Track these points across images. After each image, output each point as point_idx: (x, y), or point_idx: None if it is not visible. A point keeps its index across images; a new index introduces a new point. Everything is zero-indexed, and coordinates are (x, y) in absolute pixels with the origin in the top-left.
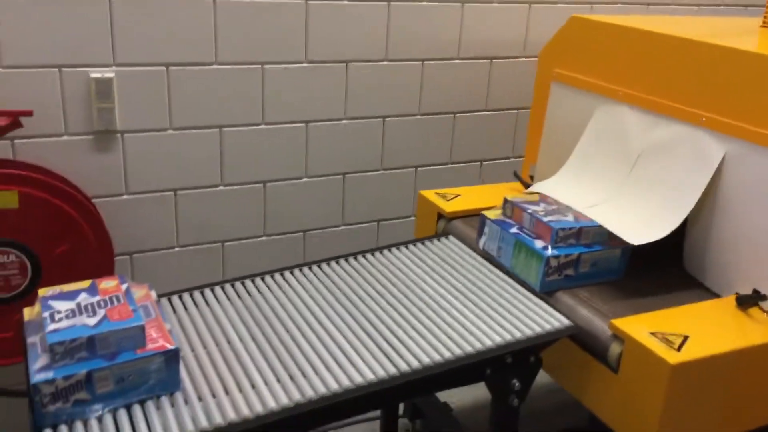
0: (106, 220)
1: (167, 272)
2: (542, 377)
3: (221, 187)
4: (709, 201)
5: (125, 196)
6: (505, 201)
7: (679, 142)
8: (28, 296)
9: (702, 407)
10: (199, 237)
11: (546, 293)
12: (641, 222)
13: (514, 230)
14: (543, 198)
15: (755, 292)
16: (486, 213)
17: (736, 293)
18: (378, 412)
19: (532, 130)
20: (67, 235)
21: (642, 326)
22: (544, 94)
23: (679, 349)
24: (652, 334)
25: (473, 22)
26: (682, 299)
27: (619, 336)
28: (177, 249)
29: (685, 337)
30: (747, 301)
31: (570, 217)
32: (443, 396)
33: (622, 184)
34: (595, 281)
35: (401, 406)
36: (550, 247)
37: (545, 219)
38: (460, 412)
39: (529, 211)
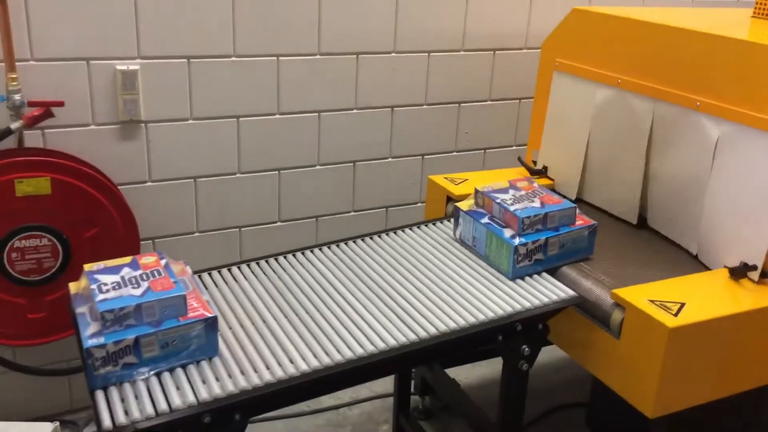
0: (130, 206)
1: (187, 256)
2: (544, 356)
3: (238, 175)
4: (702, 179)
5: (148, 183)
6: (476, 191)
7: (678, 125)
8: (59, 279)
9: (698, 369)
10: (218, 222)
11: (520, 278)
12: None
13: (485, 220)
14: (513, 184)
15: (745, 264)
16: (459, 204)
17: (725, 266)
18: (391, 389)
19: (535, 117)
20: (96, 219)
21: (641, 295)
22: (546, 84)
23: (676, 314)
24: (651, 301)
25: (477, 16)
26: (678, 272)
27: (620, 304)
28: (196, 234)
29: (682, 304)
30: (738, 272)
31: (537, 203)
32: (450, 374)
33: (637, 173)
34: (567, 261)
35: (412, 383)
36: (517, 235)
37: (512, 208)
38: (467, 388)
39: (498, 200)
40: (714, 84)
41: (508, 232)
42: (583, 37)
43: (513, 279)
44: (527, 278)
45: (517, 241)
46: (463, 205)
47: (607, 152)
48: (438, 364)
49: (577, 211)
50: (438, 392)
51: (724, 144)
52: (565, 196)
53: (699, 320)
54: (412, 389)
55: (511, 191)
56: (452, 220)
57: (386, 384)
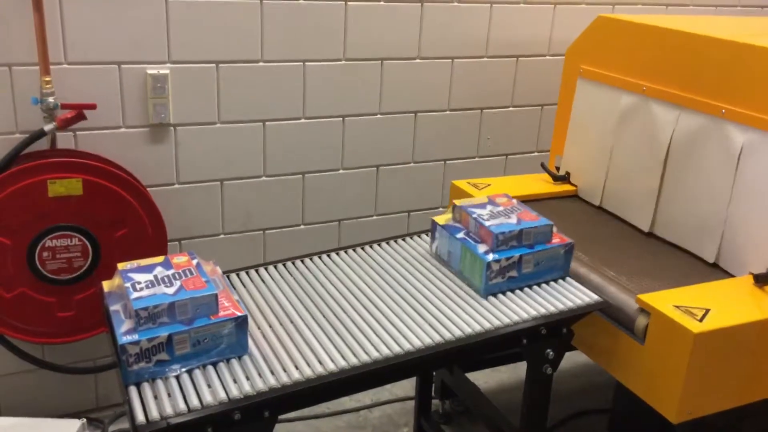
0: (158, 207)
1: (213, 257)
2: (563, 362)
3: (264, 178)
4: (726, 187)
5: (176, 185)
6: (454, 205)
7: (702, 132)
8: (88, 278)
9: (723, 375)
10: (243, 225)
11: (492, 295)
12: (693, 225)
13: (460, 235)
14: (492, 199)
15: None
16: (436, 218)
17: (750, 272)
18: (411, 393)
19: (558, 124)
20: (125, 220)
21: (666, 300)
22: (570, 90)
23: (701, 320)
24: (676, 307)
25: (501, 23)
26: (702, 278)
27: (645, 309)
28: (222, 236)
29: (707, 310)
30: (763, 278)
31: (513, 219)
32: (470, 378)
33: (659, 181)
34: (542, 279)
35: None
36: (491, 251)
37: (487, 223)
38: (487, 393)
39: (474, 215)
40: (739, 91)
41: (482, 248)
42: (608, 44)
43: (485, 296)
44: (552, 283)
45: (490, 257)
46: (440, 219)
47: (628, 159)
48: (458, 368)
49: (555, 229)
50: (459, 396)
51: (749, 151)
52: (589, 203)
53: (724, 326)
54: (433, 393)
55: (489, 207)
56: None
57: (406, 388)
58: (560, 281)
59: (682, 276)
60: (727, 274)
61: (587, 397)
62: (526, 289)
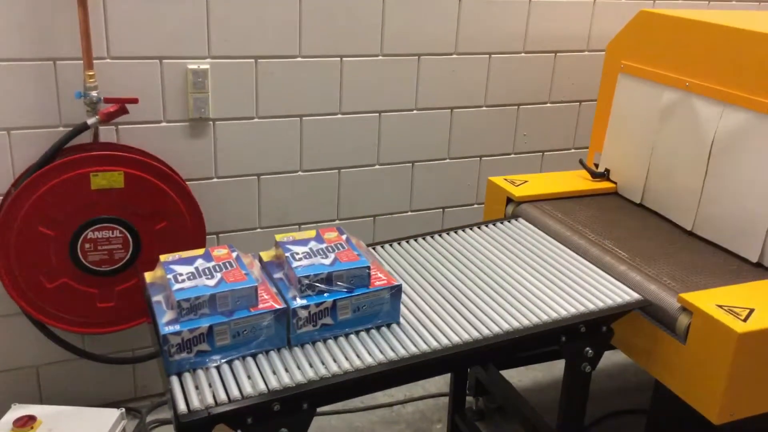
0: (197, 200)
1: (249, 251)
2: (600, 363)
3: (300, 173)
4: None
5: (214, 179)
6: (276, 242)
7: (748, 128)
8: (128, 269)
9: (766, 377)
10: (279, 219)
11: (302, 344)
12: (737, 225)
13: (278, 275)
14: (320, 235)
15: None
16: (263, 254)
17: None
18: (444, 389)
19: (598, 119)
20: (166, 213)
21: (709, 300)
22: (610, 85)
23: (745, 320)
24: (719, 306)
25: (539, 17)
26: (746, 278)
27: (687, 308)
28: (258, 230)
29: (751, 310)
30: None
31: (329, 260)
32: (505, 376)
33: (703, 179)
34: (367, 326)
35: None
36: (297, 296)
37: (295, 264)
38: (520, 391)
39: (289, 253)
40: None
41: (291, 292)
42: (650, 39)
43: (292, 346)
44: (591, 280)
45: (296, 302)
46: (265, 256)
47: (670, 156)
48: (493, 365)
49: (385, 269)
50: (493, 393)
51: None
52: (629, 200)
53: None
54: (466, 389)
55: (312, 243)
56: (512, 221)
57: (439, 384)
58: (598, 278)
59: (726, 275)
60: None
61: (622, 398)
62: (563, 285)
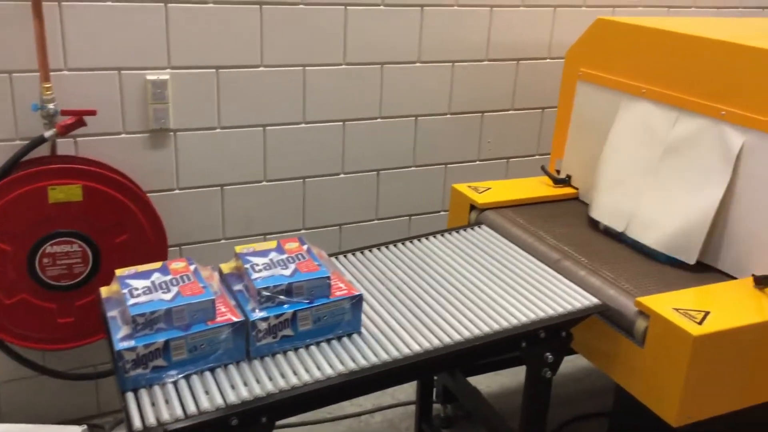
0: (158, 213)
1: (214, 263)
2: (563, 366)
3: (264, 183)
4: (727, 189)
5: (176, 191)
6: (235, 254)
7: (701, 134)
8: (88, 284)
9: (723, 378)
10: (243, 230)
11: (261, 357)
12: (679, 227)
13: (238, 287)
14: (281, 245)
15: None
16: (222, 266)
17: (753, 275)
18: (413, 397)
19: (558, 127)
20: (125, 226)
21: (666, 303)
22: (570, 93)
23: (701, 323)
24: (676, 309)
25: (501, 26)
26: (701, 281)
27: (644, 312)
28: (223, 241)
29: (706, 313)
30: (763, 281)
31: (289, 270)
32: (472, 382)
33: (652, 183)
34: (328, 337)
35: (434, 391)
36: (257, 308)
37: (254, 276)
38: (488, 397)
39: (248, 265)
40: (739, 93)
41: (251, 304)
42: (608, 46)
43: (252, 359)
44: (551, 286)
45: (256, 315)
46: (225, 268)
47: (626, 161)
48: (459, 372)
49: (346, 279)
50: (460, 400)
51: (749, 153)
52: (589, 206)
53: (723, 329)
54: (434, 397)
55: (273, 254)
56: (475, 228)
57: (408, 392)
58: (558, 284)
59: (682, 279)
60: (729, 277)
61: (588, 401)
62: (524, 292)
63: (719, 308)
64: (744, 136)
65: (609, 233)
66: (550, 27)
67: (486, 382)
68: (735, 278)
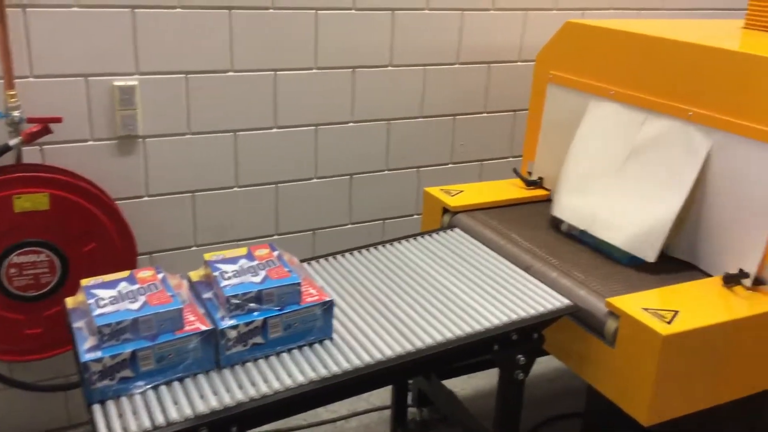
0: (128, 220)
1: (185, 270)
2: (538, 367)
3: (236, 189)
4: (698, 189)
5: (146, 198)
6: (205, 261)
7: (669, 135)
8: (56, 294)
9: (692, 377)
10: (216, 237)
11: (231, 366)
12: (640, 225)
13: (207, 295)
14: (251, 252)
15: (741, 271)
16: (191, 274)
17: (725, 272)
18: (389, 402)
19: (530, 129)
20: (93, 235)
21: (635, 303)
22: (540, 95)
23: (669, 322)
24: (645, 309)
25: (472, 29)
26: (672, 280)
27: (614, 312)
28: (194, 248)
29: (676, 312)
30: (731, 280)
31: (259, 277)
32: (447, 385)
33: (617, 183)
34: (300, 343)
35: (409, 395)
36: (227, 316)
37: (223, 283)
38: (464, 400)
39: (218, 272)
40: (706, 94)
41: (220, 312)
42: (577, 49)
43: (222, 368)
44: (522, 288)
45: (226, 323)
46: (194, 276)
47: (591, 162)
48: (435, 375)
49: (318, 285)
50: (435, 404)
51: (717, 153)
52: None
53: (692, 328)
54: (410, 401)
55: (243, 261)
56: (448, 231)
57: (383, 397)
58: (530, 285)
59: (652, 279)
60: (699, 276)
61: (562, 402)
62: (496, 294)
63: (688, 307)
64: (711, 137)
65: (571, 235)
66: (520, 30)
67: (461, 385)
68: (709, 275)
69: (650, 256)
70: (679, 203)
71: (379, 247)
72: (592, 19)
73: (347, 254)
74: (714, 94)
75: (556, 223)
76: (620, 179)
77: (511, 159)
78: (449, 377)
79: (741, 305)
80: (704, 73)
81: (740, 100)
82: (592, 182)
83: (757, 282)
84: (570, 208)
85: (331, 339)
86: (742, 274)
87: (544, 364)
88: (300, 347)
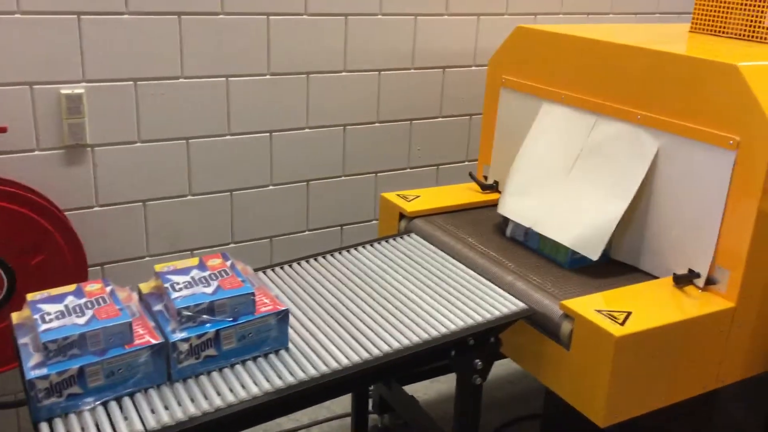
0: (77, 231)
1: (139, 282)
2: (500, 369)
3: (189, 197)
4: (645, 190)
5: (96, 208)
6: (155, 272)
7: (618, 138)
8: (4, 309)
9: (646, 377)
10: (169, 246)
11: (184, 379)
12: (586, 224)
13: (158, 307)
14: (204, 262)
15: (690, 271)
16: (142, 286)
17: (674, 273)
18: (349, 409)
19: (484, 133)
20: (41, 247)
21: (589, 305)
22: (494, 100)
23: (623, 323)
24: (599, 311)
25: (426, 34)
26: (624, 281)
27: (569, 315)
28: (148, 259)
29: (628, 313)
30: (683, 280)
31: (211, 288)
32: (408, 391)
33: (565, 185)
34: (255, 354)
35: (370, 402)
36: (177, 329)
37: (174, 295)
38: (426, 405)
39: (169, 283)
40: (654, 98)
41: (171, 325)
42: (528, 54)
43: (174, 382)
44: (478, 292)
45: (177, 336)
46: (145, 287)
47: (540, 165)
48: (395, 381)
49: (272, 294)
50: (396, 410)
51: (665, 156)
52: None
53: (645, 328)
54: (371, 408)
55: (194, 271)
56: (404, 237)
57: (345, 404)
58: (486, 289)
59: (607, 280)
60: (651, 277)
61: (523, 404)
62: (452, 299)
63: (641, 308)
64: (659, 140)
65: (514, 240)
66: (474, 35)
67: (424, 390)
68: (654, 277)
69: (594, 254)
70: (625, 204)
71: (336, 254)
72: (543, 24)
73: (303, 262)
74: (662, 98)
75: (502, 228)
76: (569, 181)
77: (467, 163)
78: (411, 382)
79: (693, 305)
80: (652, 77)
81: (687, 103)
82: (541, 184)
83: (709, 282)
84: (516, 207)
85: (287, 349)
86: (693, 275)
87: (505, 366)
88: (255, 358)
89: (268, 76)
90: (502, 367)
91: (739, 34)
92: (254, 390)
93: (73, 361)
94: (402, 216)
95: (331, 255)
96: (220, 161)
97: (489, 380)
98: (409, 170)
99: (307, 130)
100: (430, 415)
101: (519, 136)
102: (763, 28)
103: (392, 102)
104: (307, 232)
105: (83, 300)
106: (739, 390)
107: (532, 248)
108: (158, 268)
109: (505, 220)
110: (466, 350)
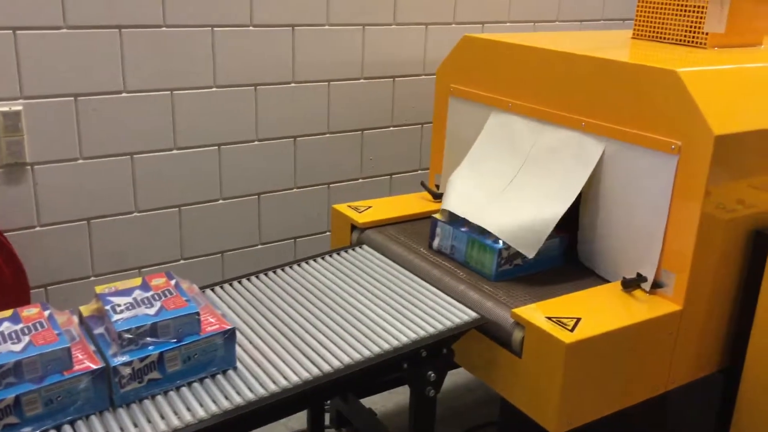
0: (18, 252)
1: (85, 303)
2: (458, 377)
3: (135, 214)
4: (593, 196)
5: (38, 228)
6: (96, 294)
7: (563, 145)
8: None
9: (597, 382)
10: (116, 265)
11: (127, 404)
12: (524, 222)
13: (99, 331)
14: (147, 282)
15: (638, 275)
16: (82, 308)
17: (623, 278)
18: (305, 424)
19: (435, 142)
20: None
21: (540, 313)
22: (443, 109)
23: (572, 330)
24: (549, 318)
25: (374, 44)
26: (576, 287)
27: (520, 323)
28: (93, 278)
29: (578, 319)
30: (630, 284)
31: (154, 309)
32: (367, 403)
33: (509, 190)
34: (201, 375)
35: (326, 416)
36: (119, 353)
37: (115, 317)
38: (384, 417)
39: (109, 306)
40: (598, 104)
41: (112, 349)
42: (475, 63)
43: (117, 407)
44: (430, 303)
45: (118, 360)
46: (85, 310)
47: (484, 172)
48: (352, 394)
49: (218, 313)
50: (354, 424)
51: (610, 161)
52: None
53: (594, 334)
54: (328, 422)
55: (137, 292)
56: (356, 249)
57: (302, 420)
58: (437, 300)
59: (559, 286)
60: (604, 281)
61: (481, 411)
62: (404, 311)
63: (590, 314)
64: (603, 145)
65: (441, 253)
66: (422, 44)
67: (382, 402)
68: (607, 281)
69: (530, 252)
70: (564, 206)
71: (286, 268)
72: (490, 32)
73: (254, 277)
74: (605, 104)
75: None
76: (513, 186)
77: (420, 172)
78: (369, 395)
79: (641, 309)
80: (595, 84)
81: (630, 109)
82: (485, 187)
83: (656, 285)
84: (458, 202)
85: (234, 368)
86: (640, 278)
87: (463, 375)
88: (201, 380)
89: (214, 89)
90: (459, 375)
91: (680, 40)
92: (200, 413)
93: (8, 390)
94: (354, 227)
95: (282, 269)
96: (167, 176)
97: (447, 388)
98: (361, 180)
99: (256, 143)
100: (387, 428)
101: (468, 145)
102: (702, 33)
103: (343, 112)
104: (259, 246)
105: (20, 326)
106: (691, 390)
107: (459, 261)
108: (99, 289)
109: (432, 233)
110: (419, 362)
